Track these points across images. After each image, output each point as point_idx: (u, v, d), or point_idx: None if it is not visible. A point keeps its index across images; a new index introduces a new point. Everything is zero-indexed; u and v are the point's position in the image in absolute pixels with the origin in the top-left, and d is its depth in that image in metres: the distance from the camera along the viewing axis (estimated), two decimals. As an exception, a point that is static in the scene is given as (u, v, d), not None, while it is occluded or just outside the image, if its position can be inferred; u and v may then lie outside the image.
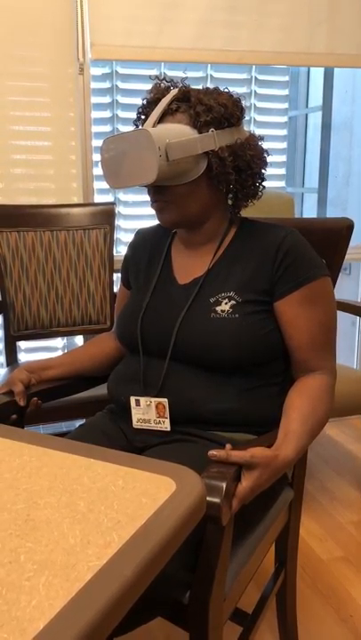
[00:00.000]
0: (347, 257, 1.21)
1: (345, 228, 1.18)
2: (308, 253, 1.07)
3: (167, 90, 1.07)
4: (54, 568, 0.51)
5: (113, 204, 2.08)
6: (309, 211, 3.34)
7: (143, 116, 1.09)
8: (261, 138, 1.12)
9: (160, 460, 0.71)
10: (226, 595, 0.92)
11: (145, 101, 1.09)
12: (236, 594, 0.99)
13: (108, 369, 1.24)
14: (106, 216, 2.04)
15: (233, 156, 1.05)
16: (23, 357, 2.47)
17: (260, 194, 1.13)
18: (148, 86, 1.10)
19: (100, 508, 0.61)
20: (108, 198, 2.65)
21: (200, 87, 1.09)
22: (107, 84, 2.59)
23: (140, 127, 1.08)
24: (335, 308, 1.10)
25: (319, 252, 1.10)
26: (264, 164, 1.11)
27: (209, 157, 1.04)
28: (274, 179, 2.88)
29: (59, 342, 2.55)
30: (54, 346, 2.54)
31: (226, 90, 1.09)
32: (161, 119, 1.04)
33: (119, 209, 2.75)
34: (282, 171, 2.95)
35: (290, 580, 1.32)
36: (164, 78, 1.09)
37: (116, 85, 2.58)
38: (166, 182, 1.02)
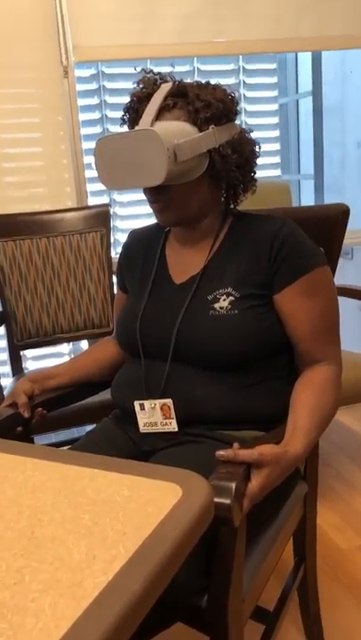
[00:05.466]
0: (349, 241, 1.19)
1: (341, 213, 1.16)
2: (305, 243, 1.05)
3: (156, 84, 1.04)
4: (60, 587, 0.50)
5: (108, 205, 2.06)
6: (307, 197, 3.30)
7: (132, 113, 1.05)
8: (251, 130, 1.10)
9: (165, 466, 0.70)
10: (244, 595, 0.90)
11: (134, 97, 1.05)
12: (255, 593, 0.97)
13: (113, 373, 1.22)
14: (101, 218, 2.02)
15: (235, 152, 1.03)
16: (31, 365, 2.47)
17: (254, 187, 1.12)
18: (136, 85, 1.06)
19: (106, 520, 0.59)
20: (103, 200, 2.64)
21: (192, 81, 1.05)
22: (94, 86, 2.58)
23: (138, 125, 1.01)
24: (336, 296, 1.08)
25: (316, 240, 1.08)
26: (257, 156, 1.09)
27: (211, 155, 1.02)
28: (269, 167, 2.86)
29: (65, 348, 2.54)
30: (61, 352, 2.53)
31: (218, 84, 1.06)
32: (157, 116, 1.00)
33: (115, 210, 2.73)
34: (276, 159, 2.93)
35: (310, 573, 1.30)
36: (151, 71, 1.06)
37: (103, 86, 2.56)
38: (170, 182, 0.99)
